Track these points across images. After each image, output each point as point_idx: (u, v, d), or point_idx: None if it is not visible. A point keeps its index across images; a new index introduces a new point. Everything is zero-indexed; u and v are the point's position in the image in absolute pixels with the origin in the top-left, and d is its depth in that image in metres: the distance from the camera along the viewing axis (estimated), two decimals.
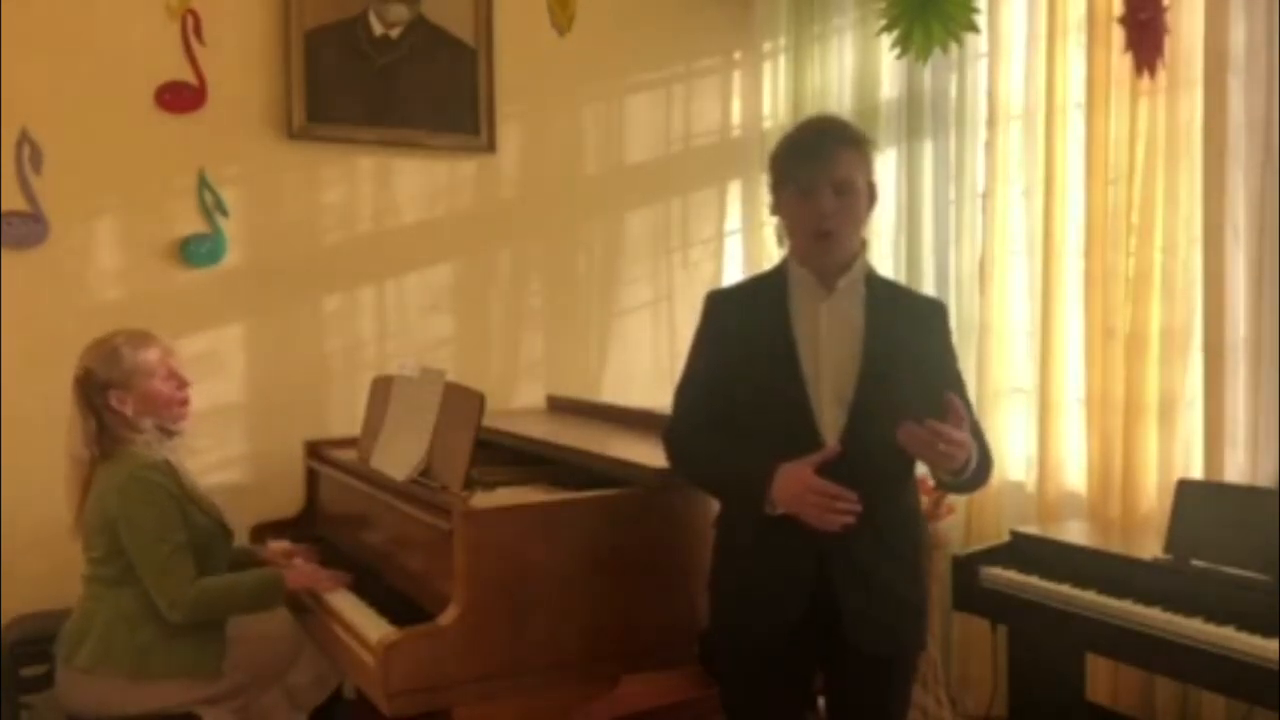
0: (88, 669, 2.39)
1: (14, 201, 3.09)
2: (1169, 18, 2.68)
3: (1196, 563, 2.26)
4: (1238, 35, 2.59)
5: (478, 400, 2.38)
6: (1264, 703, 2.06)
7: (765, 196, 2.19)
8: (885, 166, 3.49)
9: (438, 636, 2.16)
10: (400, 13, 3.55)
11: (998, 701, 2.85)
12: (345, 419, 3.32)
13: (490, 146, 3.72)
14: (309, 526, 3.17)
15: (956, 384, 2.08)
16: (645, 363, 4.02)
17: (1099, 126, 2.85)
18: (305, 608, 2.62)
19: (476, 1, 3.65)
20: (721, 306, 2.17)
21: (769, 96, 4.11)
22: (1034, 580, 2.42)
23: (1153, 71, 2.70)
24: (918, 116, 3.48)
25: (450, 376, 2.58)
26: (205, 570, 2.44)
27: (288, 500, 3.24)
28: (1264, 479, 2.57)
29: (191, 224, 3.31)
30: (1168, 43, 2.68)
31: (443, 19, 3.61)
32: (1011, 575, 2.47)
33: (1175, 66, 2.70)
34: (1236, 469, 2.61)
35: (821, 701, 2.26)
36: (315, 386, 3.50)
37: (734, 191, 4.20)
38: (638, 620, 2.36)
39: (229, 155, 3.36)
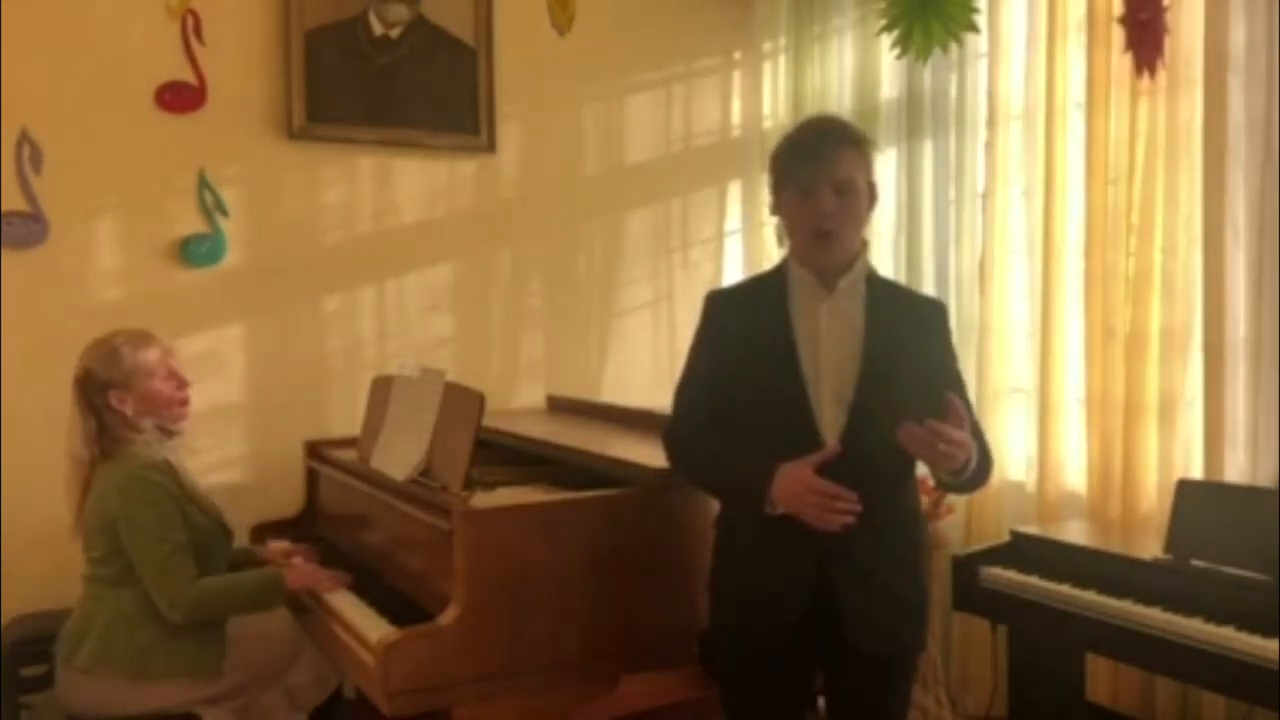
0: (88, 669, 2.39)
1: (14, 201, 3.09)
2: (1169, 18, 2.68)
3: (1196, 563, 2.26)
4: (1238, 35, 2.59)
5: (478, 400, 2.38)
6: (1264, 703, 2.06)
7: (765, 196, 2.19)
8: (885, 166, 3.49)
9: (438, 636, 2.16)
10: (400, 13, 3.55)
11: (998, 701, 2.85)
12: (345, 419, 3.32)
13: (490, 146, 3.72)
14: (309, 526, 3.17)
15: (956, 384, 2.08)
16: (645, 363, 4.02)
17: (1099, 126, 2.85)
18: (305, 608, 2.62)
19: (476, 1, 3.65)
20: (721, 306, 2.16)
21: (769, 96, 4.11)
22: (1034, 580, 2.42)
23: (1153, 71, 2.70)
24: (918, 116, 3.48)
25: (450, 376, 2.58)
26: (205, 570, 2.44)
27: (288, 500, 3.24)
28: (1264, 479, 2.57)
29: (191, 224, 3.31)
30: (1168, 43, 2.68)
31: (443, 19, 3.61)
32: (1011, 575, 2.47)
33: (1175, 66, 2.69)
34: (1236, 469, 2.61)
35: (821, 701, 2.26)
36: (315, 386, 3.50)
37: (734, 191, 4.20)
38: (638, 620, 2.36)
39: (229, 155, 3.36)
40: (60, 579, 2.64)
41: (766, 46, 4.10)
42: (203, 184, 3.31)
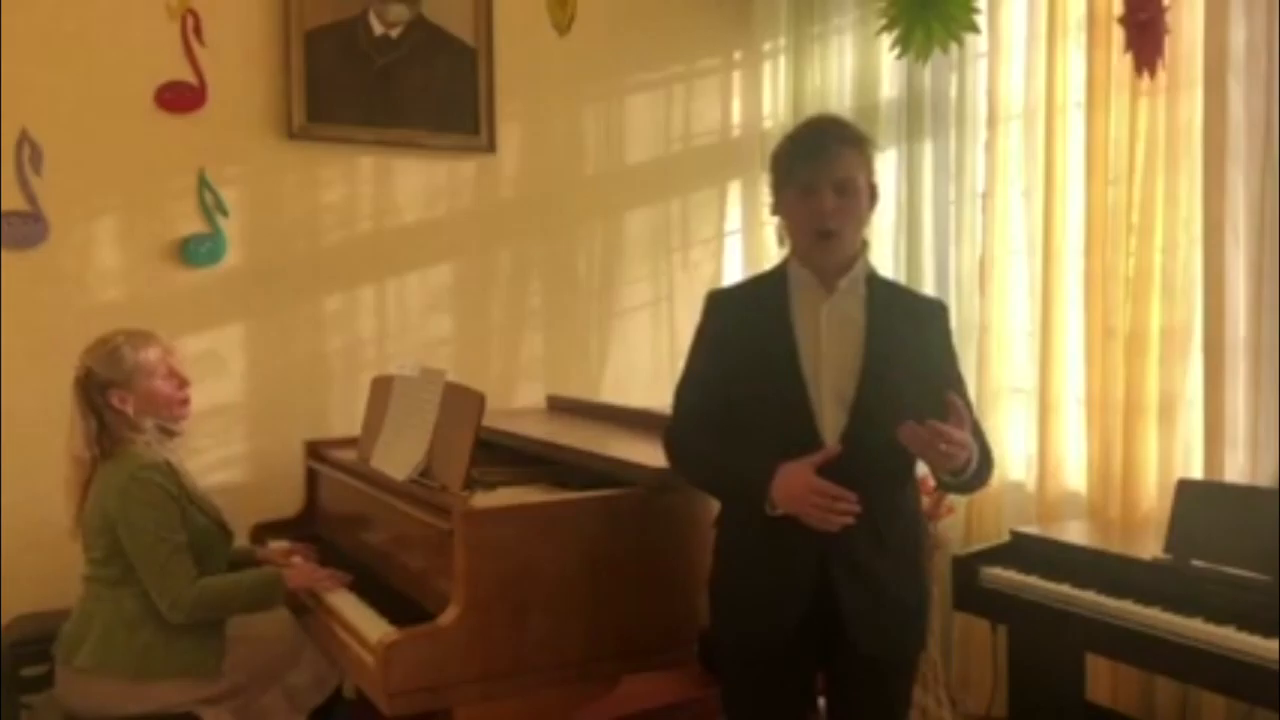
0: (87, 669, 2.39)
1: (14, 201, 3.09)
2: (1169, 18, 2.67)
3: (1196, 563, 2.26)
4: (1238, 36, 2.59)
5: (478, 400, 2.38)
6: (1264, 703, 2.05)
7: (765, 196, 2.19)
8: (885, 166, 3.49)
9: (438, 636, 2.16)
10: (400, 13, 3.55)
11: (998, 701, 2.85)
12: (345, 419, 3.32)
13: (490, 146, 3.72)
14: (309, 526, 3.17)
15: (957, 384, 2.08)
16: (645, 363, 4.02)
17: (1099, 126, 2.85)
18: (305, 608, 2.62)
19: (476, 1, 3.65)
20: (722, 306, 2.17)
21: (769, 96, 4.11)
22: (1034, 580, 2.41)
23: (1153, 72, 2.70)
24: (918, 116, 3.49)
25: (450, 376, 2.58)
26: (205, 570, 2.44)
27: (288, 500, 3.24)
28: (1264, 479, 2.57)
29: (191, 224, 3.32)
30: (1168, 43, 2.68)
31: (443, 19, 3.62)
32: (1011, 575, 2.47)
33: (1175, 67, 2.69)
34: (1236, 469, 2.60)
35: (822, 702, 2.26)
36: (315, 386, 3.50)
37: (734, 191, 4.20)
38: (638, 620, 2.36)
39: (229, 155, 3.36)
40: (60, 579, 2.64)
41: (766, 46, 4.11)
42: (203, 184, 3.31)
